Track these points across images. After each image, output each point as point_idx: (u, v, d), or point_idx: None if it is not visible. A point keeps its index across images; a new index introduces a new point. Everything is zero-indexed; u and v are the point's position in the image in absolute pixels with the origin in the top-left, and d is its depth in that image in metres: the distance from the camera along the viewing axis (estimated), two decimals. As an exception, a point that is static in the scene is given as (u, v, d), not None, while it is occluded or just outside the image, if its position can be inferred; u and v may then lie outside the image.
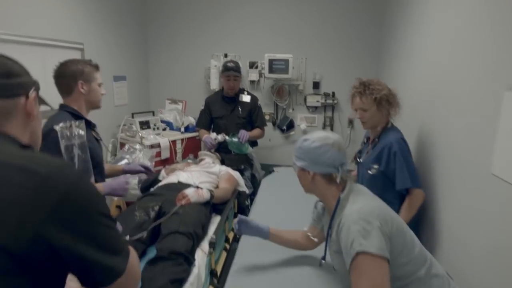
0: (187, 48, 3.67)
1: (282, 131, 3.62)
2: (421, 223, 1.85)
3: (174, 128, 3.34)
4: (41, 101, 0.86)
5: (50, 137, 1.45)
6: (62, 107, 1.68)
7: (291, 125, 3.62)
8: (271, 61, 3.25)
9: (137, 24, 3.56)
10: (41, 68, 2.32)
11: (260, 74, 3.47)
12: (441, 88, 1.78)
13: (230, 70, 2.83)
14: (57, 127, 1.39)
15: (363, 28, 3.34)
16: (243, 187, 2.43)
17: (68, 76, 1.64)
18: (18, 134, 0.75)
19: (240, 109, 2.95)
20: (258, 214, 2.02)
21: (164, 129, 3.33)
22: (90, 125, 1.73)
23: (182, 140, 3.24)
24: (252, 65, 3.51)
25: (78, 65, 1.66)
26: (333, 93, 3.47)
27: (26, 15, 2.20)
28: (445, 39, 1.77)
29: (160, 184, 2.14)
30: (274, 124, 3.67)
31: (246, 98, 2.99)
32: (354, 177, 1.29)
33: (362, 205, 1.12)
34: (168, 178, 2.17)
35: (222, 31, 3.56)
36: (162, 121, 3.37)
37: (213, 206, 2.00)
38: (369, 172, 1.80)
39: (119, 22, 3.22)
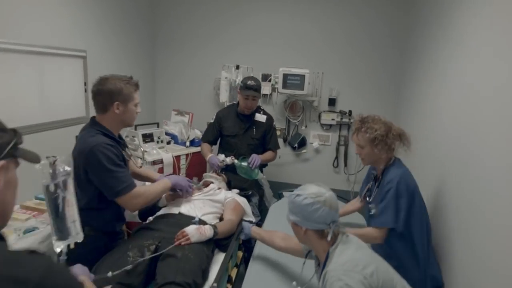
0: (197, 58, 3.47)
1: (294, 148, 3.41)
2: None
3: (179, 141, 3.15)
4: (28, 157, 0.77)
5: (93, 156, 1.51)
6: (93, 124, 1.65)
7: (303, 143, 3.40)
8: (285, 76, 3.04)
9: (145, 30, 3.38)
10: (38, 78, 2.16)
11: (273, 89, 3.26)
12: (473, 119, 1.57)
13: (250, 90, 2.55)
14: (38, 166, 1.19)
15: (384, 48, 3.13)
16: (250, 216, 2.22)
17: (105, 95, 1.61)
18: None
19: (254, 129, 2.71)
20: (263, 246, 1.83)
21: (169, 143, 3.13)
22: (121, 145, 1.70)
23: (187, 155, 3.04)
24: (265, 78, 3.31)
25: (117, 83, 1.62)
26: (350, 111, 3.25)
27: (23, 21, 2.02)
28: (476, 64, 1.55)
29: (159, 213, 1.94)
30: (285, 140, 3.46)
31: (261, 118, 2.74)
32: (345, 231, 1.30)
33: (347, 259, 1.16)
34: (168, 207, 1.97)
35: (234, 41, 3.36)
36: (167, 134, 3.18)
37: (216, 241, 1.80)
38: (370, 213, 1.79)
39: (126, 28, 3.04)
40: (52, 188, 1.21)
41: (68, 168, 1.24)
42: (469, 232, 1.50)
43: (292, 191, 2.90)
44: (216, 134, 2.77)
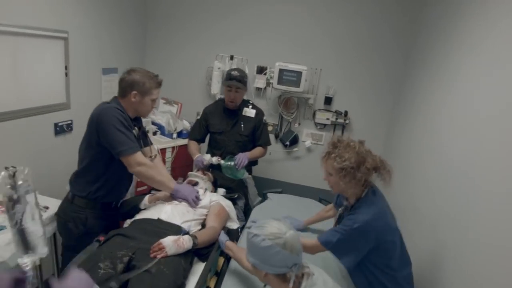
0: (190, 45, 3.28)
1: (285, 146, 3.29)
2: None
3: (166, 133, 3.00)
4: None
5: (109, 112, 1.71)
6: (113, 100, 1.85)
7: (295, 141, 3.29)
8: (281, 71, 2.89)
9: (135, 12, 3.15)
10: (11, 60, 1.97)
11: (268, 83, 3.11)
12: (480, 134, 1.49)
13: (233, 80, 2.42)
14: None
15: (386, 51, 2.97)
16: (234, 221, 2.12)
17: (127, 83, 1.80)
18: None
19: (242, 125, 2.57)
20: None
21: (155, 133, 2.99)
22: (136, 122, 1.91)
23: (173, 148, 2.91)
24: (261, 70, 3.15)
25: (142, 77, 1.80)
26: (346, 112, 3.13)
27: (-5, -3, 1.82)
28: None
29: (137, 216, 1.82)
30: (276, 137, 3.33)
31: (250, 112, 2.60)
32: (310, 272, 1.21)
33: None
34: (147, 211, 1.85)
35: (230, 31, 3.16)
36: (153, 123, 3.03)
37: (196, 251, 1.69)
38: None
39: (114, 8, 2.81)
40: (11, 201, 1.08)
41: (28, 182, 1.10)
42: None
43: (280, 192, 2.84)
44: (203, 131, 2.63)
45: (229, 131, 2.57)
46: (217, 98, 3.01)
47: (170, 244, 1.50)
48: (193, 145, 2.62)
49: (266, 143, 2.67)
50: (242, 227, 2.22)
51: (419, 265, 1.83)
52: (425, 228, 1.90)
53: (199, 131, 2.64)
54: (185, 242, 1.56)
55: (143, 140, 1.99)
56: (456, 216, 1.59)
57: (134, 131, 1.84)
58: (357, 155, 1.45)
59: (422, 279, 1.75)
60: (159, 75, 1.92)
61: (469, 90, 1.71)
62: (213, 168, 2.53)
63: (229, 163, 2.36)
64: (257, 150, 2.60)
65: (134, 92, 1.79)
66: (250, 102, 2.69)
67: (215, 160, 2.39)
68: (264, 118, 2.68)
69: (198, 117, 2.70)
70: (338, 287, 1.22)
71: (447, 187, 1.74)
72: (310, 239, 1.60)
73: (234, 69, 2.53)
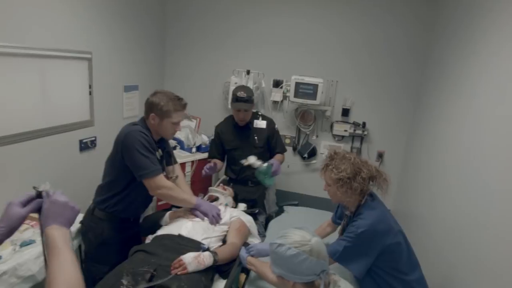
0: (207, 61, 3.35)
1: (303, 158, 3.28)
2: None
3: (185, 147, 3.06)
4: None
5: (133, 135, 1.75)
6: (140, 120, 1.91)
7: (313, 153, 3.27)
8: (297, 85, 2.90)
9: (154, 31, 3.26)
10: (40, 82, 2.07)
11: (285, 96, 3.13)
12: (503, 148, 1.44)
13: (240, 102, 2.43)
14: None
15: (403, 61, 2.95)
16: (255, 237, 2.12)
17: (148, 104, 1.86)
18: None
19: (256, 137, 2.59)
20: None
21: (174, 148, 3.05)
22: (160, 144, 1.96)
23: (192, 162, 2.96)
24: (277, 84, 3.18)
25: (161, 99, 1.82)
26: (364, 123, 3.10)
27: (24, 23, 1.93)
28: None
29: (159, 232, 1.85)
30: (294, 149, 3.33)
31: (261, 124, 2.62)
32: (336, 278, 1.22)
33: None
34: (168, 226, 1.88)
35: (246, 45, 3.22)
36: (173, 138, 3.09)
37: (217, 267, 1.70)
38: None
39: (134, 28, 2.92)
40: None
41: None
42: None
43: (296, 204, 2.83)
44: (220, 149, 2.67)
45: (244, 146, 2.58)
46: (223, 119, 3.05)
47: (191, 260, 1.52)
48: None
49: (283, 150, 2.72)
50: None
51: (440, 268, 1.79)
52: (449, 235, 1.86)
53: (216, 150, 2.67)
54: (206, 259, 1.57)
55: (167, 160, 2.03)
56: (481, 224, 1.56)
57: (157, 153, 1.88)
58: (353, 165, 1.55)
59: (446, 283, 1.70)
60: (180, 93, 1.94)
61: (493, 95, 1.67)
62: (235, 183, 2.55)
63: (265, 166, 2.40)
64: (279, 157, 2.64)
65: (152, 114, 1.83)
66: (259, 113, 2.71)
67: (258, 163, 2.41)
68: (276, 126, 2.72)
69: (212, 137, 2.74)
70: None
71: (471, 195, 1.71)
72: None
73: (240, 89, 2.51)
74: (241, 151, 2.57)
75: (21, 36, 1.91)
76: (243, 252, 1.77)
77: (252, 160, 2.42)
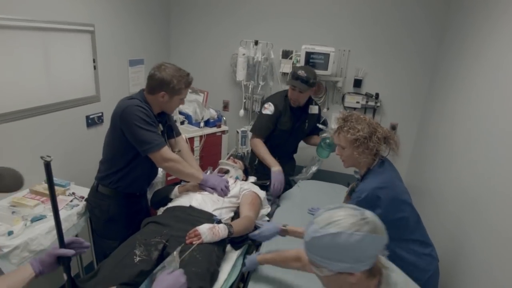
0: (213, 32, 3.24)
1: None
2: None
3: (193, 122, 3.01)
4: None
5: (131, 110, 1.67)
6: (139, 93, 1.82)
7: (324, 125, 3.19)
8: (308, 54, 2.79)
9: (159, 1, 3.14)
10: (43, 56, 2.02)
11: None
12: None
13: (298, 80, 2.22)
14: None
15: (418, 30, 2.81)
16: (266, 206, 2.09)
17: (157, 81, 1.74)
18: None
19: (307, 123, 2.48)
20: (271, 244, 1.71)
21: (182, 123, 3.00)
22: (161, 118, 1.89)
23: (201, 137, 2.91)
24: (286, 55, 3.07)
25: (173, 76, 1.74)
26: (377, 94, 3.00)
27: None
28: None
29: (169, 205, 1.83)
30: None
31: (314, 109, 2.52)
32: (387, 265, 1.02)
33: None
34: (179, 199, 1.86)
35: (254, 15, 3.09)
36: (180, 113, 3.04)
37: (230, 240, 1.68)
38: None
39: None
40: None
41: None
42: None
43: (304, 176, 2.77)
44: (272, 128, 2.41)
45: (295, 130, 2.45)
46: (242, 85, 2.96)
47: (206, 232, 1.49)
48: (262, 146, 2.37)
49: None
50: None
51: (454, 238, 1.76)
52: (463, 206, 1.82)
53: (267, 128, 2.38)
54: (221, 231, 1.54)
55: (169, 133, 1.98)
56: (504, 193, 1.49)
57: (158, 127, 1.83)
58: (369, 126, 1.55)
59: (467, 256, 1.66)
60: (186, 67, 1.87)
61: None
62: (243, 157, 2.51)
63: (329, 140, 2.31)
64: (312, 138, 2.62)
65: (163, 92, 1.75)
66: (313, 99, 2.59)
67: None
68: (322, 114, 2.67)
69: (264, 111, 2.41)
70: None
71: (494, 166, 1.63)
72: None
73: (303, 68, 2.33)
74: (289, 135, 2.45)
75: (23, 9, 1.85)
76: (249, 262, 1.60)
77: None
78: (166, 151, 1.77)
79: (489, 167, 1.67)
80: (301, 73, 2.23)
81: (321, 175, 2.89)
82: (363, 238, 0.88)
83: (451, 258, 1.86)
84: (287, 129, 2.42)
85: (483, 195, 1.68)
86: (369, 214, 0.95)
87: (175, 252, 1.35)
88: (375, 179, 1.55)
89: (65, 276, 1.20)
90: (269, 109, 2.39)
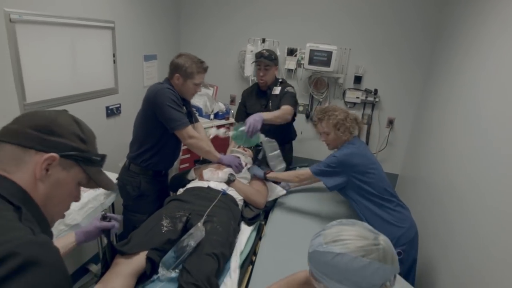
0: (222, 30, 3.42)
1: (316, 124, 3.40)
2: None
3: (204, 114, 3.19)
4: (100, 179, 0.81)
5: (163, 92, 1.93)
6: (166, 80, 2.07)
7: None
8: (312, 52, 2.98)
9: (171, 0, 3.33)
10: (70, 50, 2.19)
11: (299, 64, 3.21)
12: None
13: (261, 57, 2.54)
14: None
15: (414, 30, 2.99)
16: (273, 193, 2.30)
17: (173, 65, 2.03)
18: (27, 186, 0.70)
19: (270, 103, 2.63)
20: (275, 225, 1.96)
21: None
22: (185, 102, 2.14)
23: (211, 127, 3.09)
24: (291, 52, 3.26)
25: (186, 61, 1.98)
26: (376, 90, 3.20)
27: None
28: None
29: (189, 186, 2.03)
30: (307, 116, 3.45)
31: (276, 90, 2.61)
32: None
33: None
34: (197, 181, 2.06)
35: (261, 14, 3.28)
36: (192, 106, 3.21)
37: (244, 218, 1.89)
38: None
39: (153, -3, 3.00)
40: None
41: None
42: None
43: (306, 166, 2.94)
44: (244, 113, 2.77)
45: (261, 111, 2.58)
46: (250, 81, 3.14)
47: (208, 172, 2.05)
48: None
49: (287, 103, 2.44)
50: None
51: (444, 230, 1.94)
52: (460, 205, 1.92)
53: (241, 114, 2.81)
54: (221, 173, 2.03)
55: (189, 119, 2.17)
56: (489, 190, 1.62)
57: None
58: (343, 111, 2.06)
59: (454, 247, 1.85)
60: (189, 49, 2.10)
61: (506, 63, 1.68)
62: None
63: (240, 128, 2.14)
64: (278, 111, 2.37)
65: (177, 74, 1.99)
66: (280, 80, 2.70)
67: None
68: (289, 88, 2.56)
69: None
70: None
71: (478, 160, 1.77)
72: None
73: (264, 49, 2.67)
74: None
75: (53, 6, 2.02)
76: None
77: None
78: (191, 129, 2.01)
79: (475, 159, 1.83)
80: (264, 52, 2.59)
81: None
82: (368, 265, 0.83)
83: (436, 253, 2.05)
84: (256, 110, 2.47)
85: (467, 186, 1.84)
86: (383, 240, 0.88)
87: (199, 224, 1.55)
88: (347, 149, 1.99)
89: (105, 241, 1.40)
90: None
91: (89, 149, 0.80)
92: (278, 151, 2.28)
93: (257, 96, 2.74)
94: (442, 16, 2.85)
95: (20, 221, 0.63)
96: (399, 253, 1.77)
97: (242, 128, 2.13)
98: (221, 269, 1.50)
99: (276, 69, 2.69)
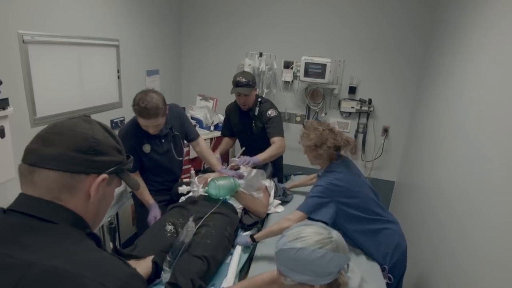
0: (221, 44, 3.58)
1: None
2: None
3: (204, 126, 3.31)
4: (129, 182, 0.82)
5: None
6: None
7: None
8: (307, 65, 3.12)
9: (172, 17, 3.49)
10: (77, 67, 2.32)
11: (295, 76, 3.35)
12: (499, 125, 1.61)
13: (238, 87, 2.47)
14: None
15: (406, 40, 3.12)
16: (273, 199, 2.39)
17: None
18: (81, 211, 0.72)
19: (254, 125, 2.64)
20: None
21: (194, 127, 3.30)
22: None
23: (211, 139, 3.21)
24: (288, 65, 3.39)
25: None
26: (370, 100, 3.32)
27: (61, 14, 2.16)
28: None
29: (190, 194, 2.12)
30: (304, 126, 3.55)
31: (256, 111, 2.60)
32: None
33: None
34: (200, 189, 2.15)
35: (258, 29, 3.43)
36: (192, 118, 3.34)
37: (242, 225, 1.98)
38: None
39: (154, 16, 3.16)
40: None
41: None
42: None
43: (300, 173, 3.02)
44: (230, 128, 2.87)
45: (245, 131, 2.73)
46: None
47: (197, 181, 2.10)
48: (226, 141, 2.91)
49: (277, 134, 2.51)
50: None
51: (438, 237, 2.01)
52: (450, 210, 1.97)
53: (227, 129, 2.91)
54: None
55: (188, 137, 2.44)
56: (480, 198, 1.63)
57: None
58: (320, 136, 1.80)
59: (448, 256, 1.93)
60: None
61: (494, 71, 1.71)
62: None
63: (212, 187, 1.95)
64: (270, 149, 2.44)
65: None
66: (260, 99, 2.62)
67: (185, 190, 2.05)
68: (271, 113, 2.57)
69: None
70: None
71: (471, 167, 1.78)
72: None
73: (240, 74, 2.55)
74: (244, 136, 2.78)
75: (61, 26, 2.16)
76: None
77: (184, 189, 2.02)
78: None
79: (465, 165, 1.88)
80: (240, 79, 2.47)
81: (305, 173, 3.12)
82: (324, 255, 1.01)
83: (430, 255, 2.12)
84: (239, 131, 2.74)
85: (460, 193, 1.88)
86: (335, 234, 1.07)
87: (189, 221, 1.64)
88: (328, 178, 1.78)
89: (111, 245, 1.49)
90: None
91: (125, 158, 0.80)
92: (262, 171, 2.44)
93: (240, 116, 2.72)
94: (432, 27, 2.98)
95: (101, 247, 0.72)
96: (383, 269, 1.76)
97: (222, 182, 1.97)
98: (211, 271, 1.57)
99: (255, 90, 2.62)
